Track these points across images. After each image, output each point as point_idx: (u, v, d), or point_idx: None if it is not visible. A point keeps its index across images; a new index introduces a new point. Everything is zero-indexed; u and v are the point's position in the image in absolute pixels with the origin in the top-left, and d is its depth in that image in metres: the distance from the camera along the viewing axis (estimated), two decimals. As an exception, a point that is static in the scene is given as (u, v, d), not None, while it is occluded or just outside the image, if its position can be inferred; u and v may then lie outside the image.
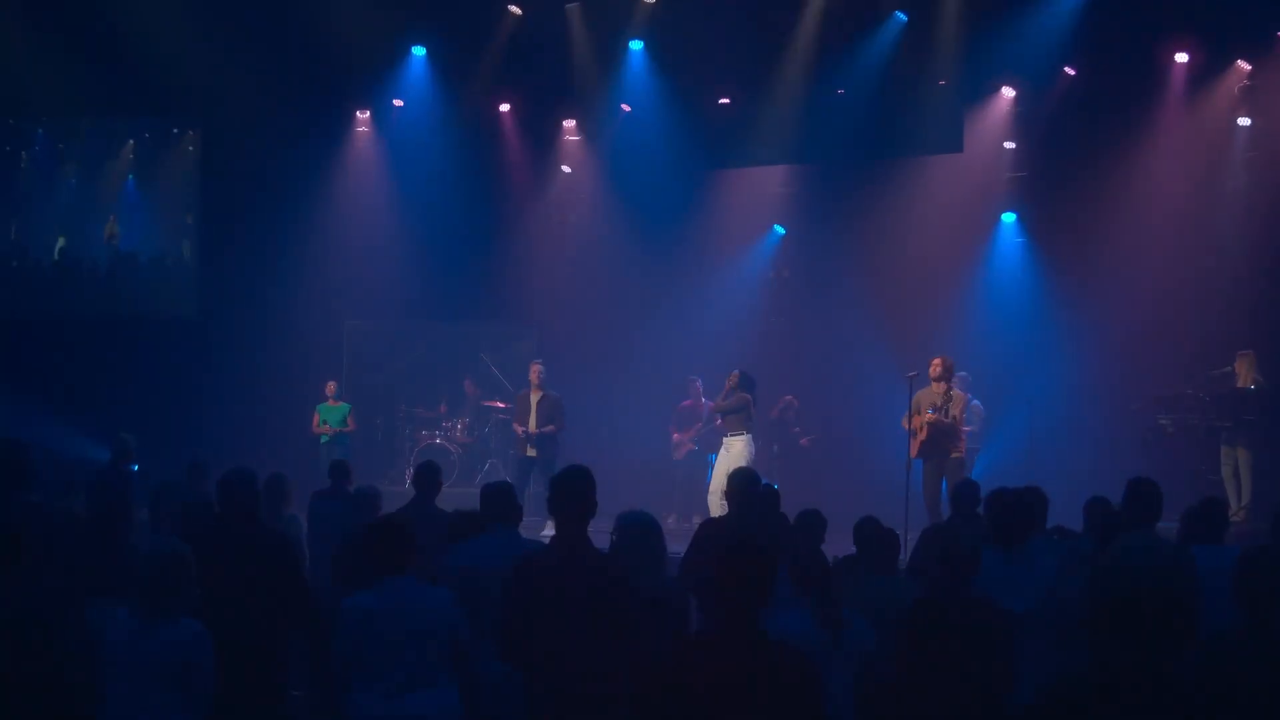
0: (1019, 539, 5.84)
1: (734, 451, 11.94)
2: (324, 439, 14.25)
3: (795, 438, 14.74)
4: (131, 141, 16.98)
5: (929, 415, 10.94)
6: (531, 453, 12.77)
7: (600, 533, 5.00)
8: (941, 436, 10.95)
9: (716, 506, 11.83)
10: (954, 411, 10.99)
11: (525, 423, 12.80)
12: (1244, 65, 13.42)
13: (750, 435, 12.07)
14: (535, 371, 13.02)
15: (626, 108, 15.87)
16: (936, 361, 11.16)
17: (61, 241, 16.82)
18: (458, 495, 12.55)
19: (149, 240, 16.98)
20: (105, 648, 4.80)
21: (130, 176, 17.00)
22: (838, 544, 6.66)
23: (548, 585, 4.74)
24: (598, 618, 4.67)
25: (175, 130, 16.84)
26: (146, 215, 17.09)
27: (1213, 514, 6.30)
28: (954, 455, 10.97)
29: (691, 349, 14.85)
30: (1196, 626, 2.65)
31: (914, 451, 11.08)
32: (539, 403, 12.83)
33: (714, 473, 12.21)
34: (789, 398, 14.82)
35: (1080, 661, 2.80)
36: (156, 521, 6.78)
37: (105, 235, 16.81)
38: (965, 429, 11.41)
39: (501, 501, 6.04)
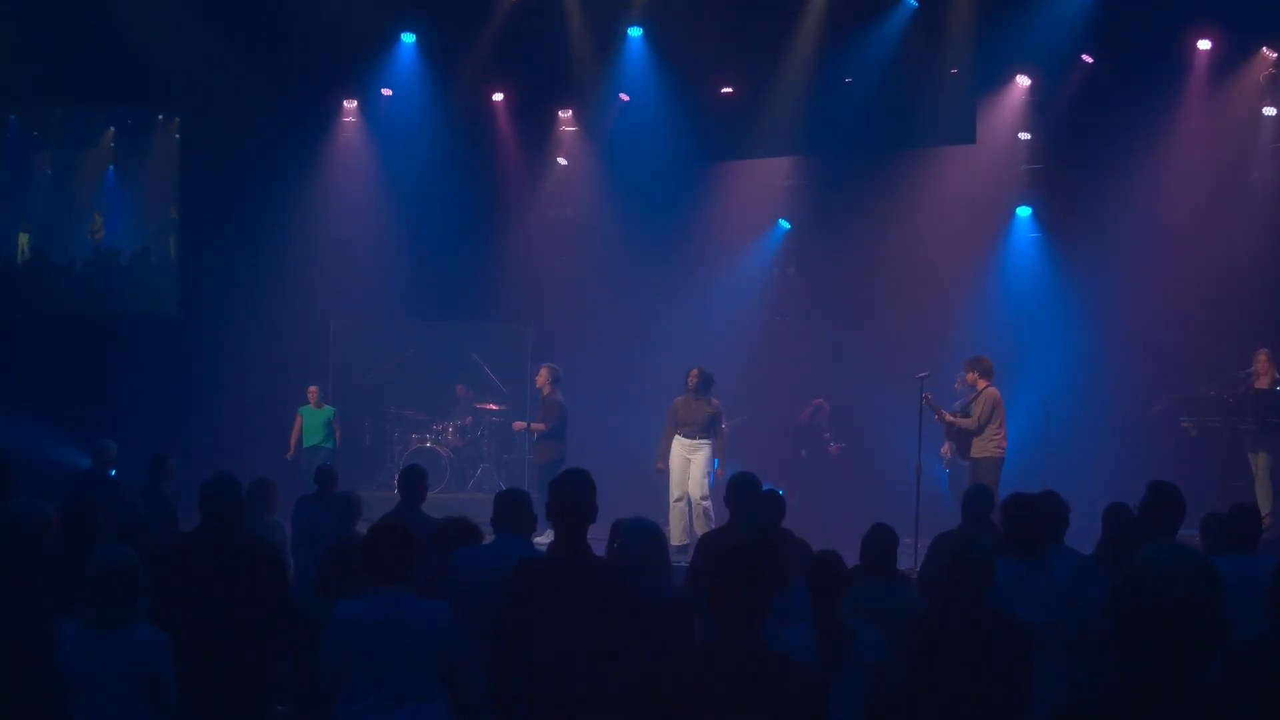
0: (1036, 547, 5.82)
1: (698, 458, 11.94)
2: (306, 443, 14.27)
3: (825, 443, 14.67)
4: (112, 129, 16.88)
5: (941, 417, 11.18)
6: (533, 457, 12.99)
7: (597, 539, 4.98)
8: (960, 438, 11.18)
9: (704, 517, 11.83)
10: (975, 412, 11.08)
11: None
12: (1269, 53, 13.42)
13: (715, 440, 12.04)
14: (539, 375, 13.13)
15: (625, 97, 15.85)
16: (967, 367, 11.44)
17: (26, 238, 16.72)
18: (450, 501, 12.55)
19: (132, 236, 16.89)
20: (61, 663, 4.79)
21: (110, 167, 16.93)
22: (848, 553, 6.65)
23: (547, 590, 4.74)
24: (597, 624, 4.67)
25: (160, 117, 16.72)
26: (129, 209, 17.00)
27: (1244, 521, 6.28)
28: (987, 455, 11.04)
29: (692, 348, 14.78)
30: (1222, 638, 2.63)
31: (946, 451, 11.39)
32: (539, 405, 12.94)
33: (672, 480, 12.09)
34: (819, 400, 14.74)
35: (1100, 673, 2.79)
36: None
37: (90, 232, 16.74)
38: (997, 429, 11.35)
39: (514, 509, 6.04)
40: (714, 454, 12.00)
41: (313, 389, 14.61)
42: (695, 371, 12.14)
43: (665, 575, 5.49)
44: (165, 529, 7.90)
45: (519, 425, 13.39)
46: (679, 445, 12.08)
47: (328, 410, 14.52)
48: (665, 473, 12.20)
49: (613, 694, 4.57)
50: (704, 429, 12.00)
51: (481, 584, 5.49)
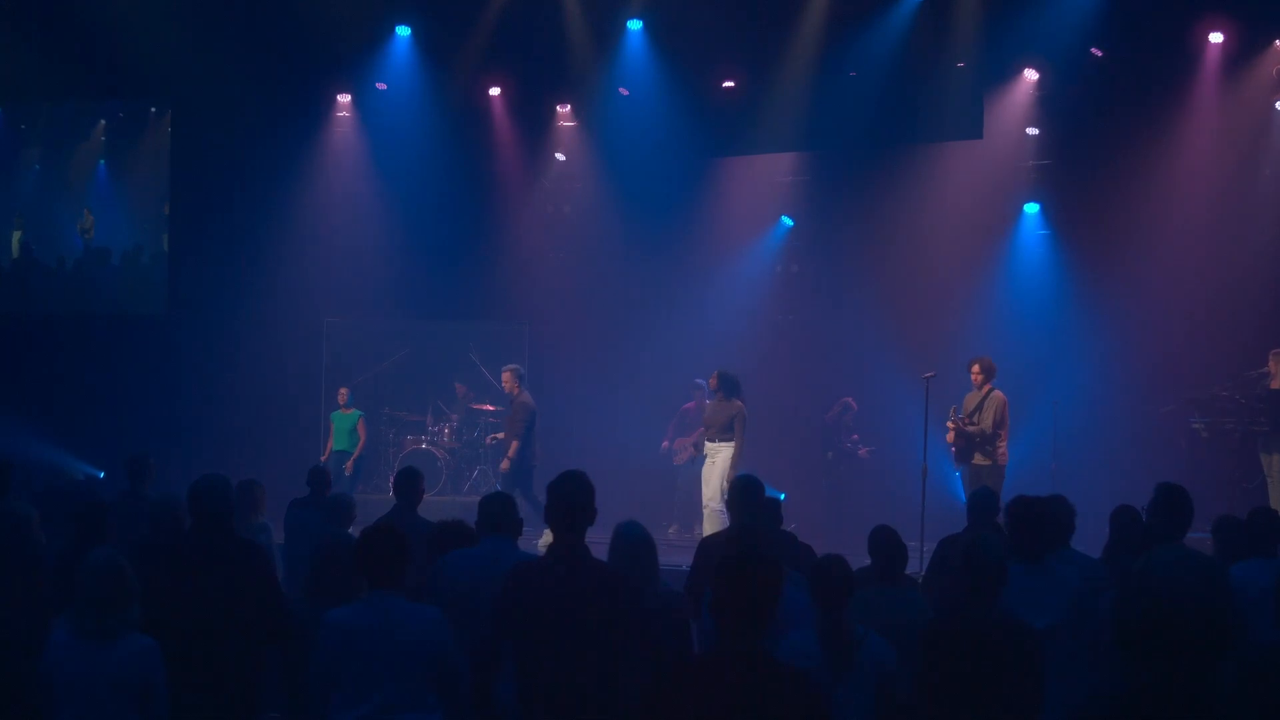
0: (1040, 551, 5.82)
1: (719, 460, 11.86)
2: (335, 448, 14.32)
3: (853, 445, 14.53)
4: (103, 122, 16.84)
5: (949, 423, 11.18)
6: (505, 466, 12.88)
7: (596, 543, 4.98)
8: (967, 443, 11.14)
9: (714, 519, 11.79)
10: (985, 419, 11.06)
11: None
12: (1283, 46, 13.42)
13: (736, 443, 11.86)
14: (505, 379, 12.97)
15: (624, 91, 15.83)
16: (974, 367, 11.31)
17: (18, 235, 16.71)
18: (446, 504, 12.57)
19: (124, 233, 16.85)
20: (49, 671, 4.78)
21: (102, 162, 16.90)
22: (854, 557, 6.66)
23: (544, 594, 4.73)
24: (597, 628, 4.67)
25: (153, 109, 16.67)
26: (121, 205, 16.95)
27: (1263, 526, 6.28)
28: (991, 462, 11.04)
29: (694, 348, 14.83)
30: (1230, 641, 2.64)
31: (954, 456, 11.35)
32: (509, 408, 12.88)
33: (703, 484, 12.05)
34: (847, 399, 14.60)
35: (1108, 679, 2.79)
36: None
37: (80, 229, 16.72)
38: (1004, 434, 11.35)
39: (500, 513, 6.04)
40: (733, 457, 11.82)
41: (342, 391, 14.63)
42: (715, 374, 12.16)
43: (652, 580, 5.50)
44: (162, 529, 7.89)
45: (505, 465, 12.71)
46: (706, 449, 12.12)
47: (354, 415, 14.54)
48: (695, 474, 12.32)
49: (612, 699, 4.58)
50: (722, 431, 11.93)
51: (470, 588, 5.50)
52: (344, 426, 14.47)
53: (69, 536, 6.58)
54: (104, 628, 4.76)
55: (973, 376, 11.39)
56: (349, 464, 14.12)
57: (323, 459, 14.16)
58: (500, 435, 13.25)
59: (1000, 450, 11.15)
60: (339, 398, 14.62)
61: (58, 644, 4.80)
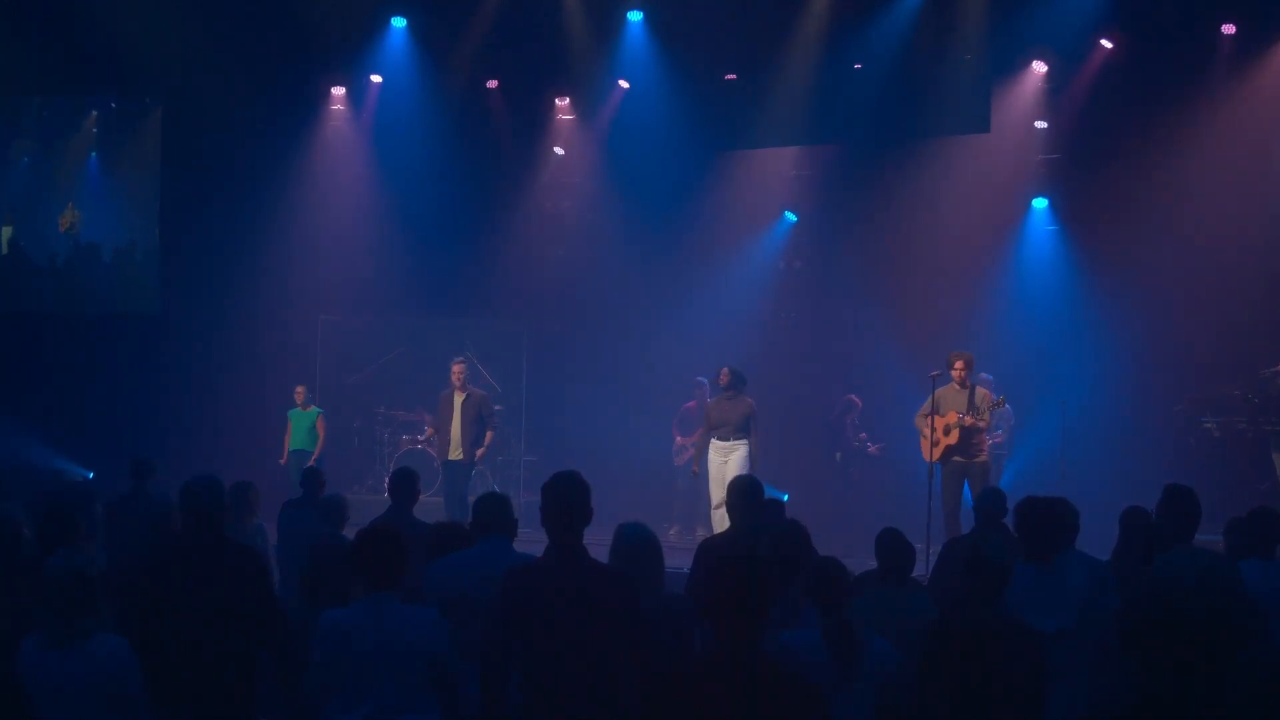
0: (1049, 553, 5.83)
1: (733, 459, 11.77)
2: (293, 447, 14.28)
3: (862, 444, 14.46)
4: (95, 114, 16.81)
5: (966, 419, 10.98)
6: (457, 454, 12.71)
7: (596, 544, 4.99)
8: (970, 440, 11.05)
9: (719, 520, 11.76)
10: (984, 417, 11.04)
11: (448, 427, 12.77)
12: (1296, 38, 13.41)
13: (751, 441, 11.82)
14: (457, 372, 12.89)
15: (625, 84, 15.85)
16: (959, 363, 11.19)
17: (7, 231, 16.70)
18: (443, 505, 12.56)
19: (116, 229, 16.81)
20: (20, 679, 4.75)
21: (93, 155, 16.88)
22: (858, 559, 6.67)
23: (542, 596, 4.75)
24: (597, 630, 4.68)
25: (148, 100, 16.63)
26: (113, 200, 16.90)
27: (1263, 526, 6.29)
28: (980, 460, 11.01)
29: (695, 346, 14.84)
30: (1242, 645, 2.64)
31: (934, 456, 11.11)
32: (463, 404, 12.77)
33: (711, 485, 11.94)
34: (850, 396, 14.56)
35: (1115, 683, 2.80)
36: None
37: (62, 225, 16.68)
38: (996, 436, 11.39)
39: (495, 513, 6.05)
40: (750, 455, 11.78)
41: (299, 389, 14.60)
42: (725, 371, 12.06)
43: (658, 583, 5.52)
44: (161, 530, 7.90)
45: (480, 452, 12.82)
46: (714, 449, 11.97)
47: (313, 412, 14.51)
48: (700, 476, 12.19)
49: (614, 700, 4.59)
50: (738, 430, 11.84)
51: (466, 591, 5.51)
52: (302, 425, 14.40)
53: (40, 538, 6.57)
54: (70, 632, 4.74)
55: (956, 373, 11.16)
56: (310, 464, 14.10)
57: (281, 461, 14.16)
58: (460, 456, 12.87)
59: (988, 446, 11.21)
60: (296, 396, 14.51)
61: (27, 651, 4.78)
